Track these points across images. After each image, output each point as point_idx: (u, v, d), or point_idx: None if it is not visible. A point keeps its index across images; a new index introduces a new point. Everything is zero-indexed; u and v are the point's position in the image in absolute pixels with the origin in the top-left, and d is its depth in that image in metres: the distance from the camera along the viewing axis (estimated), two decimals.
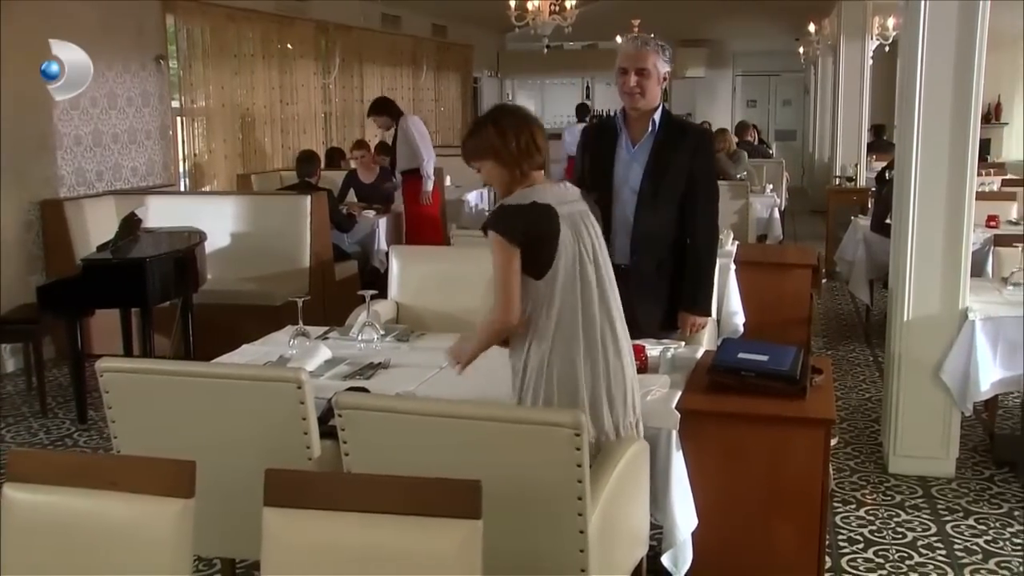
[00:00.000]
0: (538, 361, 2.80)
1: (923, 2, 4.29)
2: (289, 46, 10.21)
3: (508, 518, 2.42)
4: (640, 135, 3.71)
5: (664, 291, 3.77)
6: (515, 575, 2.49)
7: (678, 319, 3.79)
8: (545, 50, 13.19)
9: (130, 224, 5.93)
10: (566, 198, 2.85)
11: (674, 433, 3.03)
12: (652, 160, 3.68)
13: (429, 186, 8.18)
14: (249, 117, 9.52)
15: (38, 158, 6.77)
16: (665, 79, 3.69)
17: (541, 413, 2.56)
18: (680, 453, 3.05)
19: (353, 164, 8.72)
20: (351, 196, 8.55)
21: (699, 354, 3.55)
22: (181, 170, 8.58)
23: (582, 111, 14.04)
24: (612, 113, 3.90)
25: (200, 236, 6.08)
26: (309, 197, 6.93)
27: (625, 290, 3.37)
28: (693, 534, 3.09)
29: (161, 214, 6.73)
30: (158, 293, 5.45)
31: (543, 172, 2.87)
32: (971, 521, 4.07)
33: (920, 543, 3.87)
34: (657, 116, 3.70)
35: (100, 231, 6.38)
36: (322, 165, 8.31)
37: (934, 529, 3.99)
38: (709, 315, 3.94)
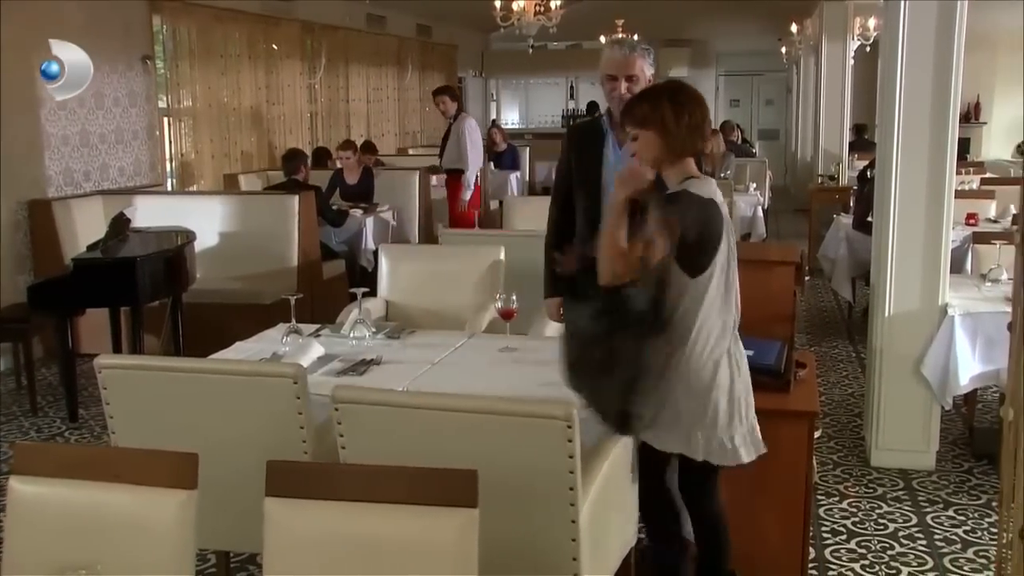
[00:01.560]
0: (678, 360, 2.71)
1: (903, 3, 4.37)
2: (275, 46, 10.23)
3: (502, 509, 2.45)
4: (627, 137, 3.73)
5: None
6: (508, 563, 2.54)
7: None
8: (530, 50, 13.24)
9: (119, 224, 5.96)
10: (720, 194, 2.84)
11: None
12: None
13: (467, 195, 8.71)
14: (235, 117, 9.54)
15: (26, 158, 6.78)
16: (650, 81, 3.73)
17: (534, 406, 2.61)
18: None
19: (339, 164, 8.76)
20: (336, 197, 8.59)
21: None
22: (168, 170, 8.60)
23: (592, 108, 14.39)
24: (597, 114, 3.92)
25: (189, 236, 6.12)
26: (297, 196, 6.96)
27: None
28: None
29: (149, 214, 6.76)
30: (148, 292, 5.48)
31: (694, 161, 2.85)
32: (951, 512, 4.16)
33: (901, 534, 3.95)
34: None
35: (88, 231, 6.41)
36: (309, 164, 8.34)
37: (915, 520, 4.08)
38: None
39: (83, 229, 6.59)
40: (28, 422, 5.53)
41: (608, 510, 2.86)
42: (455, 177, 8.79)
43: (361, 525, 2.00)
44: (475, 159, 8.78)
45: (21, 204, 6.71)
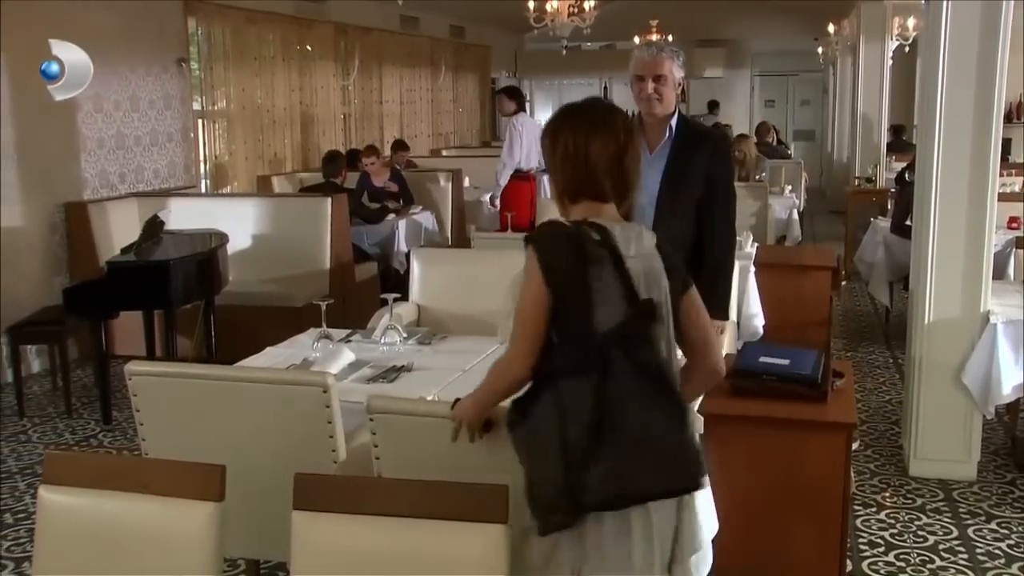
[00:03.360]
0: None
1: (945, 2, 4.28)
2: (308, 48, 10.26)
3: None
4: (657, 141, 3.66)
5: None
6: None
7: None
8: (563, 51, 13.21)
9: (153, 226, 5.99)
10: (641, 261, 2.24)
11: (696, 437, 3.03)
12: (670, 166, 3.64)
13: (496, 192, 8.66)
14: (269, 119, 9.58)
15: (62, 160, 6.85)
16: (679, 85, 3.69)
17: None
18: None
19: (366, 169, 8.75)
20: (364, 199, 8.58)
21: None
22: (202, 172, 8.64)
23: (713, 105, 15.25)
24: (633, 114, 3.86)
25: (222, 238, 6.13)
26: (329, 199, 6.96)
27: None
28: (713, 539, 3.10)
29: (183, 216, 6.78)
30: (181, 295, 5.49)
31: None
32: (993, 525, 4.06)
33: (942, 547, 3.86)
34: (673, 122, 3.68)
35: (123, 233, 6.44)
36: (346, 166, 8.36)
37: (955, 533, 3.99)
38: (727, 319, 3.93)
39: (118, 231, 6.64)
40: (63, 423, 5.57)
41: None
42: (516, 179, 8.58)
43: (389, 540, 1.97)
44: (511, 158, 8.53)
45: (57, 206, 6.77)
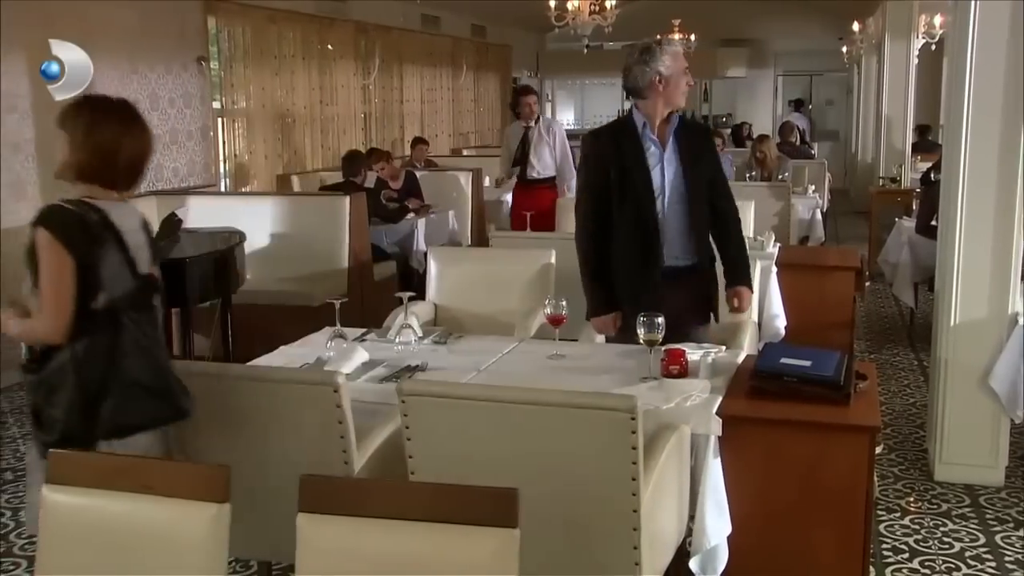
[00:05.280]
0: None
1: (974, 1, 4.20)
2: (329, 47, 10.26)
3: (564, 500, 2.61)
4: (666, 136, 3.74)
5: (703, 283, 3.85)
6: (571, 552, 2.67)
7: (733, 297, 3.87)
8: (585, 50, 13.16)
9: (171, 224, 5.96)
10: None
11: (712, 439, 2.98)
12: (683, 156, 3.74)
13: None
14: (289, 118, 9.57)
15: None
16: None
17: (598, 398, 2.64)
18: (718, 460, 3.00)
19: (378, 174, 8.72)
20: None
21: (740, 359, 3.50)
22: (222, 171, 8.64)
23: (799, 104, 16.73)
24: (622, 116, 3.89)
25: (239, 236, 6.11)
26: (348, 197, 6.93)
27: (680, 289, 3.62)
28: (730, 540, 3.04)
29: (202, 214, 6.76)
30: (198, 293, 5.47)
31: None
32: (1022, 532, 3.96)
33: (968, 554, 3.77)
34: (675, 116, 3.77)
35: None
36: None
37: (983, 540, 3.89)
38: (752, 288, 4.03)
39: None
40: None
41: (665, 500, 2.83)
42: (551, 187, 7.72)
43: (396, 543, 1.92)
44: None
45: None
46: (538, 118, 7.75)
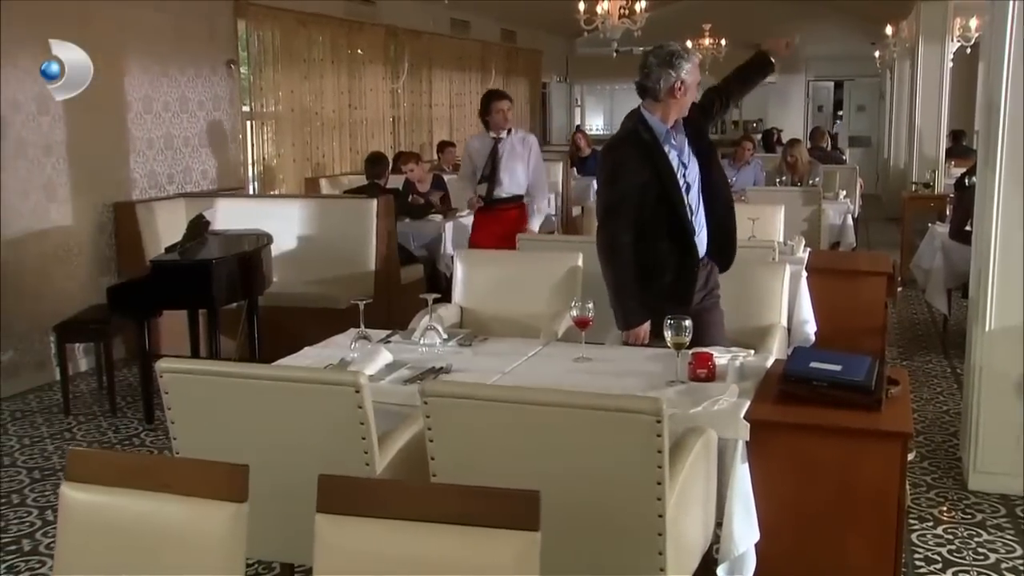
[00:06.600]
0: None
1: (1012, 2, 4.12)
2: (359, 51, 10.27)
3: (590, 503, 2.57)
4: (680, 138, 3.79)
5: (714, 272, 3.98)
6: (596, 555, 2.63)
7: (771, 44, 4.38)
8: (614, 54, 13.11)
9: (198, 226, 5.99)
10: None
11: (740, 444, 2.93)
12: (701, 158, 3.83)
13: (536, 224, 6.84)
14: (318, 121, 9.59)
15: (112, 161, 6.90)
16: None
17: (624, 401, 2.61)
18: (746, 465, 2.95)
19: (407, 175, 8.71)
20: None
21: (769, 363, 3.44)
22: (250, 173, 8.67)
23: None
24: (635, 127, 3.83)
25: (266, 238, 6.12)
26: (375, 200, 6.92)
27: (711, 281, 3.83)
28: (759, 547, 2.99)
29: (230, 216, 6.79)
30: (224, 295, 5.48)
31: None
32: None
33: (1004, 565, 3.69)
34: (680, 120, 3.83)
35: (171, 233, 6.46)
36: (390, 168, 8.33)
37: (1019, 551, 3.80)
38: None
39: (165, 231, 6.66)
40: (107, 422, 5.58)
41: (691, 505, 2.79)
42: (518, 206, 6.65)
43: (415, 545, 1.88)
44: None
45: (106, 206, 6.81)
46: (510, 129, 6.67)
